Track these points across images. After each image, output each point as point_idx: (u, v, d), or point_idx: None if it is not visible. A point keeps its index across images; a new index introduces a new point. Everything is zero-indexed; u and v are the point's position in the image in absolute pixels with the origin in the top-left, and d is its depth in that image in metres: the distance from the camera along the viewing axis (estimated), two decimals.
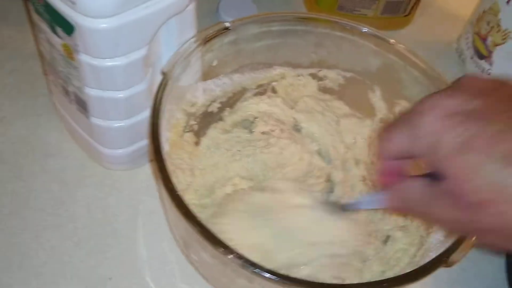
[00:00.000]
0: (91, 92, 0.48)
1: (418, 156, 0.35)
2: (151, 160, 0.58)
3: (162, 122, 0.46)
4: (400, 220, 0.53)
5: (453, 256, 0.41)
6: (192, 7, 0.49)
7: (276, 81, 0.60)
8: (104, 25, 0.42)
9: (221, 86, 0.57)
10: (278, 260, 0.46)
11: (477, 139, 0.31)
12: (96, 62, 0.45)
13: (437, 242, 0.46)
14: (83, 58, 0.45)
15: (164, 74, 0.48)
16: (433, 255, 0.42)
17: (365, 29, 0.55)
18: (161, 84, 0.47)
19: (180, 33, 0.50)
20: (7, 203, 0.54)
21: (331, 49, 0.58)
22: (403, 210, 0.40)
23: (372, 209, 0.47)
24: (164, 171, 0.41)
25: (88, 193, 0.56)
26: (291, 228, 0.48)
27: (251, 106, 0.60)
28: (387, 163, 0.39)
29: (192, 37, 0.51)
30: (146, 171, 0.58)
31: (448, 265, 0.40)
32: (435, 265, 0.40)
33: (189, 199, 0.51)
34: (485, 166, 0.31)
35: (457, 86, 0.35)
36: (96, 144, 0.54)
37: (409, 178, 0.38)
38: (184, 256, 0.52)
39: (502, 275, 0.56)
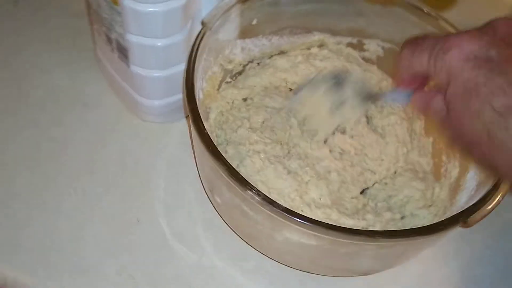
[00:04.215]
0: (133, 39, 0.49)
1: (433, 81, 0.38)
2: (186, 116, 0.59)
3: (198, 68, 0.47)
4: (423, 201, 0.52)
5: (473, 217, 0.40)
6: None
7: (314, 47, 0.60)
8: None
9: (259, 46, 0.58)
10: None
11: (483, 88, 0.33)
12: (138, 7, 0.46)
13: (459, 209, 0.45)
14: (126, 2, 0.46)
15: (203, 23, 0.48)
16: None
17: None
18: (200, 33, 0.48)
19: None
20: (45, 148, 0.56)
21: (371, 19, 0.58)
22: (423, 112, 0.42)
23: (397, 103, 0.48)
24: (195, 111, 0.42)
25: (123, 143, 0.57)
26: None
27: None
28: (408, 72, 0.41)
29: None
30: (181, 127, 0.59)
31: (468, 225, 0.40)
32: (453, 222, 0.39)
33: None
34: (484, 113, 0.33)
35: (485, 29, 0.36)
36: (134, 94, 0.55)
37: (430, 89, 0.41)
38: (209, 202, 0.53)
39: None
